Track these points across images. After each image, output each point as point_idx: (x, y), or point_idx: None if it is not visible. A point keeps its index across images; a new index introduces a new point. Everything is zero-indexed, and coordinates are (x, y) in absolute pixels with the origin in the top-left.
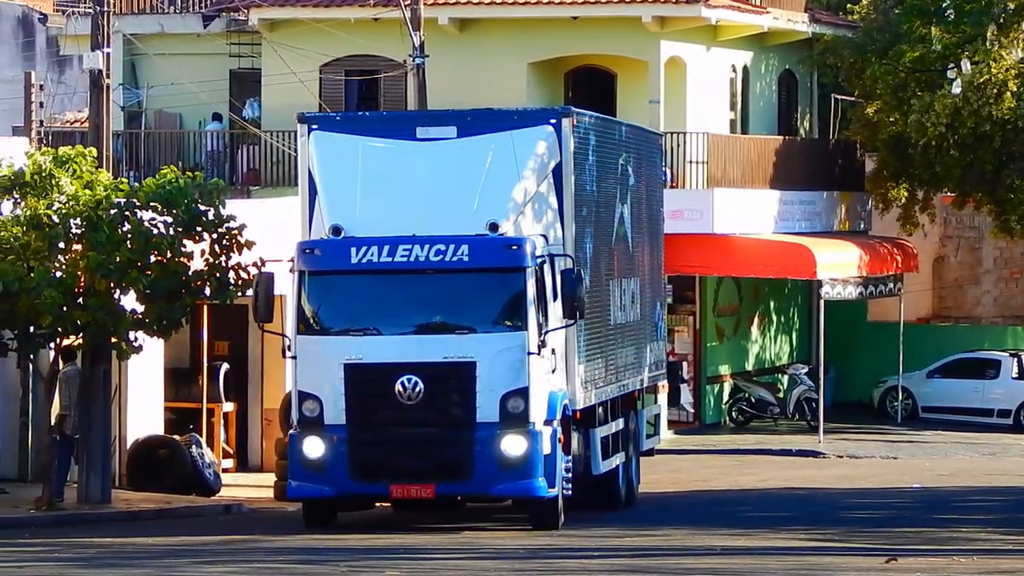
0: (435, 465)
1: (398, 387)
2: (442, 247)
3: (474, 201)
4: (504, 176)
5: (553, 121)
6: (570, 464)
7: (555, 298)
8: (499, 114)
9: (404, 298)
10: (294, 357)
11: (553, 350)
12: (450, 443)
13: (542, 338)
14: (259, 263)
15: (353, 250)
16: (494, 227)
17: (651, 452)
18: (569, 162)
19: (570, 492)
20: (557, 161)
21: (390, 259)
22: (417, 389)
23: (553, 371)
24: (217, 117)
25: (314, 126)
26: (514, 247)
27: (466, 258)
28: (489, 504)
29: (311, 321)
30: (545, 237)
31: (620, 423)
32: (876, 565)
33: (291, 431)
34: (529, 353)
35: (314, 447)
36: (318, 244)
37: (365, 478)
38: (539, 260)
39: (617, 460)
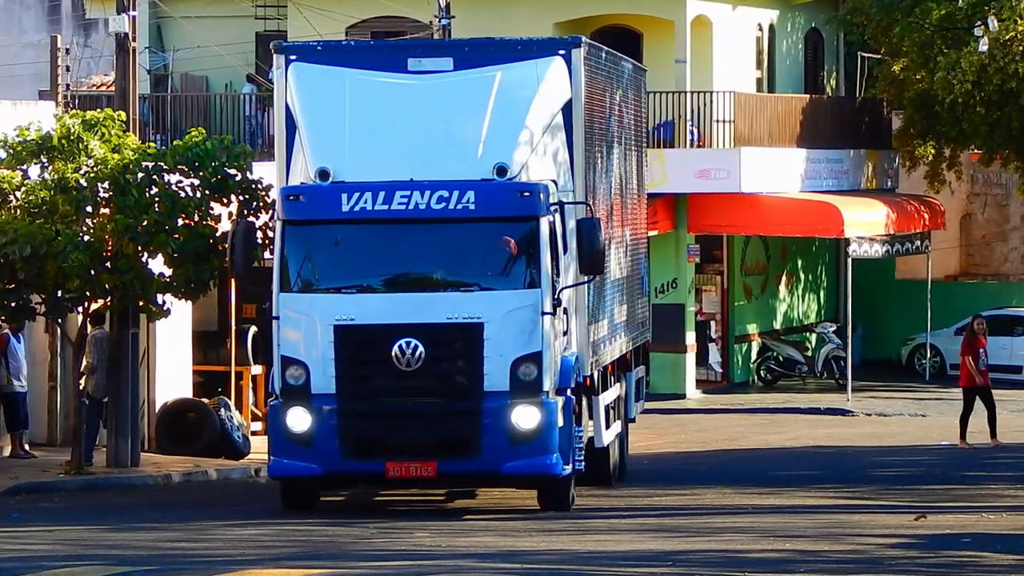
0: (437, 440)
1: (395, 351)
2: (445, 193)
3: (478, 142)
4: (510, 114)
5: (563, 52)
6: (582, 437)
7: (565, 251)
8: (501, 44)
9: (402, 251)
10: (276, 317)
11: (565, 309)
12: (454, 415)
13: (556, 296)
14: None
15: (344, 196)
16: (502, 171)
17: (633, 419)
18: (580, 98)
19: (582, 467)
20: (567, 98)
21: (386, 207)
22: (417, 354)
23: (565, 333)
24: (251, 80)
25: (292, 56)
26: (527, 193)
27: (472, 206)
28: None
29: (296, 277)
30: (555, 183)
31: (618, 389)
32: (905, 523)
33: (272, 400)
34: (543, 313)
35: (299, 419)
36: (303, 190)
37: (357, 455)
38: (552, 208)
39: (616, 429)
